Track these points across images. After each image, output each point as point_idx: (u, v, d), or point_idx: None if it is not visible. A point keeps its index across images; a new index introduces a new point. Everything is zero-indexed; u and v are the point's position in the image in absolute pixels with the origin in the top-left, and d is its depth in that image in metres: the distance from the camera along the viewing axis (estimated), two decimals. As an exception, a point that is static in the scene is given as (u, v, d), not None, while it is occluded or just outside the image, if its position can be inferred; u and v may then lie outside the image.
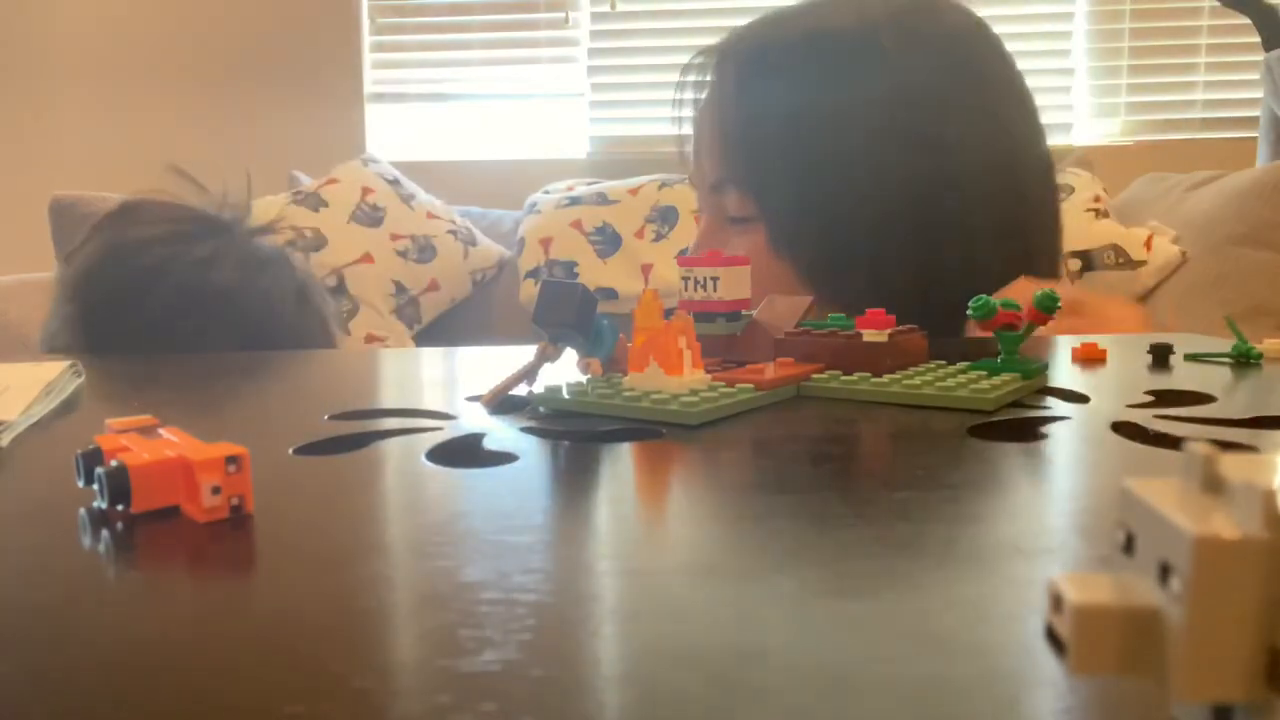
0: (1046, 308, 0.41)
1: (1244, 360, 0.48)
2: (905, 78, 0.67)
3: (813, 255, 0.67)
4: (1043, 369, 0.42)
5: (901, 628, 0.17)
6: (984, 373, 0.41)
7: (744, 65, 0.70)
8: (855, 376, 0.40)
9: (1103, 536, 0.22)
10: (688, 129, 0.76)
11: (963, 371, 0.42)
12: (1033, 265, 0.69)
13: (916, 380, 0.39)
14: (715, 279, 0.46)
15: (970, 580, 0.20)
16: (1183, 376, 0.44)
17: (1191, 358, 0.49)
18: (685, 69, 0.76)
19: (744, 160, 0.68)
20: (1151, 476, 0.12)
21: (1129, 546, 0.12)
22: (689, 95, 0.75)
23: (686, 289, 0.47)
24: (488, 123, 2.19)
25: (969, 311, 0.42)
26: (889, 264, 0.67)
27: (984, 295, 0.42)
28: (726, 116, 0.69)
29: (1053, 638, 0.12)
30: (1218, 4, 1.68)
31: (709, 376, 0.39)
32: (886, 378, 0.40)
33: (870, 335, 0.42)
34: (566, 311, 0.39)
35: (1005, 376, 0.40)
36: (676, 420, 0.35)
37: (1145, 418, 0.35)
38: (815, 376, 0.41)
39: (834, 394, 0.40)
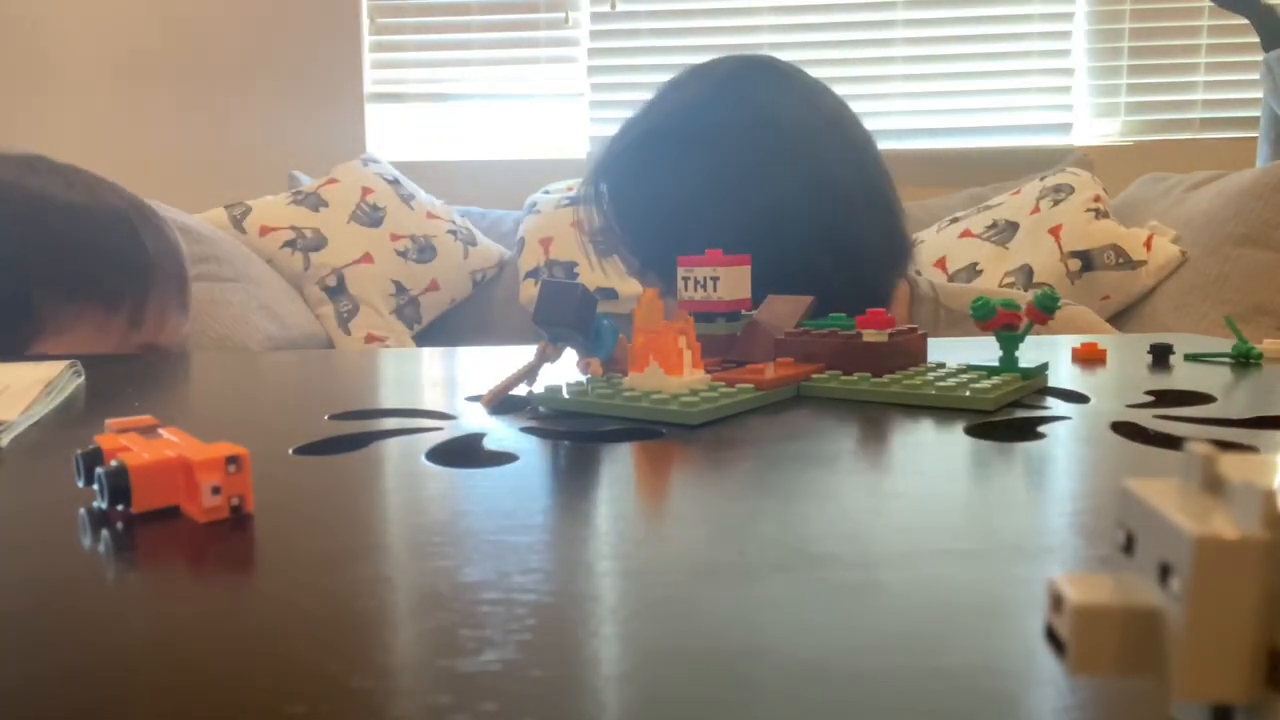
0: (1046, 308, 0.41)
1: (1244, 360, 0.48)
2: (724, 147, 0.78)
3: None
4: (1043, 369, 0.42)
5: (901, 627, 0.17)
6: (984, 373, 0.41)
7: (609, 178, 0.83)
8: (855, 376, 0.40)
9: (1103, 536, 0.22)
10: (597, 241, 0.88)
11: (963, 371, 0.42)
12: (867, 283, 0.79)
13: (916, 380, 0.39)
14: (715, 279, 0.46)
15: (970, 580, 0.20)
16: (1183, 376, 0.44)
17: (1192, 358, 0.49)
18: (574, 200, 0.93)
19: (632, 246, 0.81)
20: (1151, 476, 0.12)
21: (1129, 546, 0.12)
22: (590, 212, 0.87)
23: (686, 289, 0.47)
24: (488, 123, 2.19)
25: (969, 312, 0.42)
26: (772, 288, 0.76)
27: (983, 295, 0.42)
28: (610, 218, 0.82)
29: (1053, 638, 0.12)
30: (1218, 6, 1.68)
31: (709, 376, 0.39)
32: (886, 378, 0.40)
33: (870, 335, 0.42)
34: (566, 311, 0.39)
35: (1005, 376, 0.40)
36: (676, 420, 0.35)
37: (1145, 418, 0.35)
38: (815, 376, 0.41)
39: (834, 394, 0.40)
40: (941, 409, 0.37)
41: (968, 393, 0.37)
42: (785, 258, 0.73)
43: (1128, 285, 1.52)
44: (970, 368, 0.42)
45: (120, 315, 0.81)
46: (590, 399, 0.37)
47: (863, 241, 0.78)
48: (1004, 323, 0.42)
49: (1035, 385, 0.41)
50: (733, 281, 0.47)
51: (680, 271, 0.48)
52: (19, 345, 0.79)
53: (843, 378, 0.40)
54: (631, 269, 0.83)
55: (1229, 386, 0.42)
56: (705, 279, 0.46)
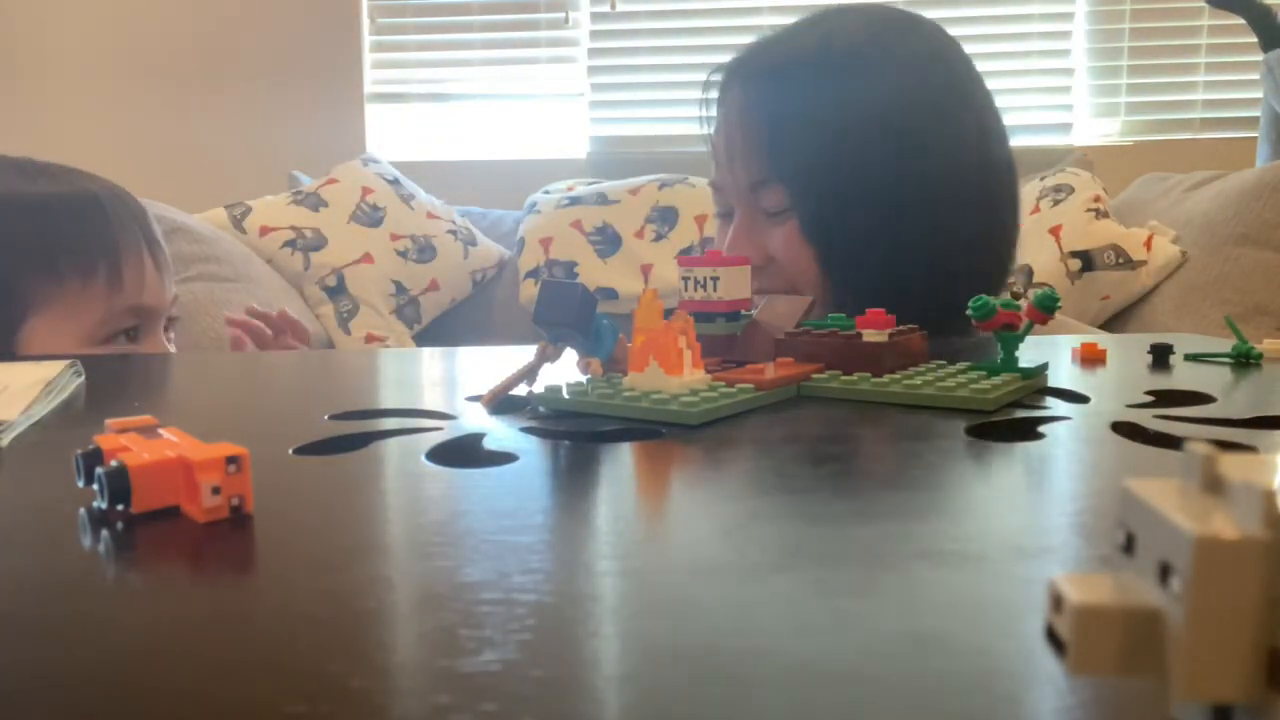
0: (1047, 308, 0.41)
1: (1244, 360, 0.48)
2: (898, 84, 0.75)
3: (836, 241, 0.73)
4: (1042, 369, 0.42)
5: (902, 627, 0.17)
6: (984, 373, 0.41)
7: (765, 78, 0.79)
8: (855, 376, 0.40)
9: (1103, 536, 0.22)
10: (713, 138, 0.84)
11: (962, 371, 0.42)
12: (1004, 271, 0.77)
13: (916, 380, 0.39)
14: (715, 279, 0.46)
15: (970, 580, 0.20)
16: (1183, 376, 0.44)
17: (1192, 358, 0.49)
18: (706, 86, 0.86)
19: (777, 158, 0.75)
20: (1151, 476, 0.12)
21: (1129, 546, 0.12)
22: (711, 111, 0.85)
23: (686, 289, 0.47)
24: (488, 123, 2.19)
25: (969, 311, 0.42)
26: (901, 255, 0.73)
27: (983, 295, 0.42)
28: (757, 122, 0.77)
29: (1053, 638, 0.12)
30: (1214, 7, 1.68)
31: (709, 376, 0.39)
32: (886, 378, 0.40)
33: (870, 335, 0.42)
34: (566, 311, 0.39)
35: (1005, 376, 0.40)
36: (676, 420, 0.35)
37: (1145, 418, 0.35)
38: (815, 376, 0.41)
39: (834, 394, 0.40)
40: (941, 409, 0.37)
41: (968, 393, 0.37)
42: (940, 206, 0.72)
43: (1128, 285, 1.52)
44: (970, 368, 0.42)
45: (97, 281, 0.83)
46: (590, 399, 0.37)
47: (998, 219, 0.76)
48: (1004, 323, 0.42)
49: (1035, 385, 0.41)
50: (733, 281, 0.47)
51: (680, 272, 0.48)
52: (5, 332, 0.82)
53: (843, 378, 0.40)
54: (737, 183, 0.78)
55: (1229, 386, 0.42)
56: (705, 279, 0.46)
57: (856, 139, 0.74)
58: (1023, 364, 0.41)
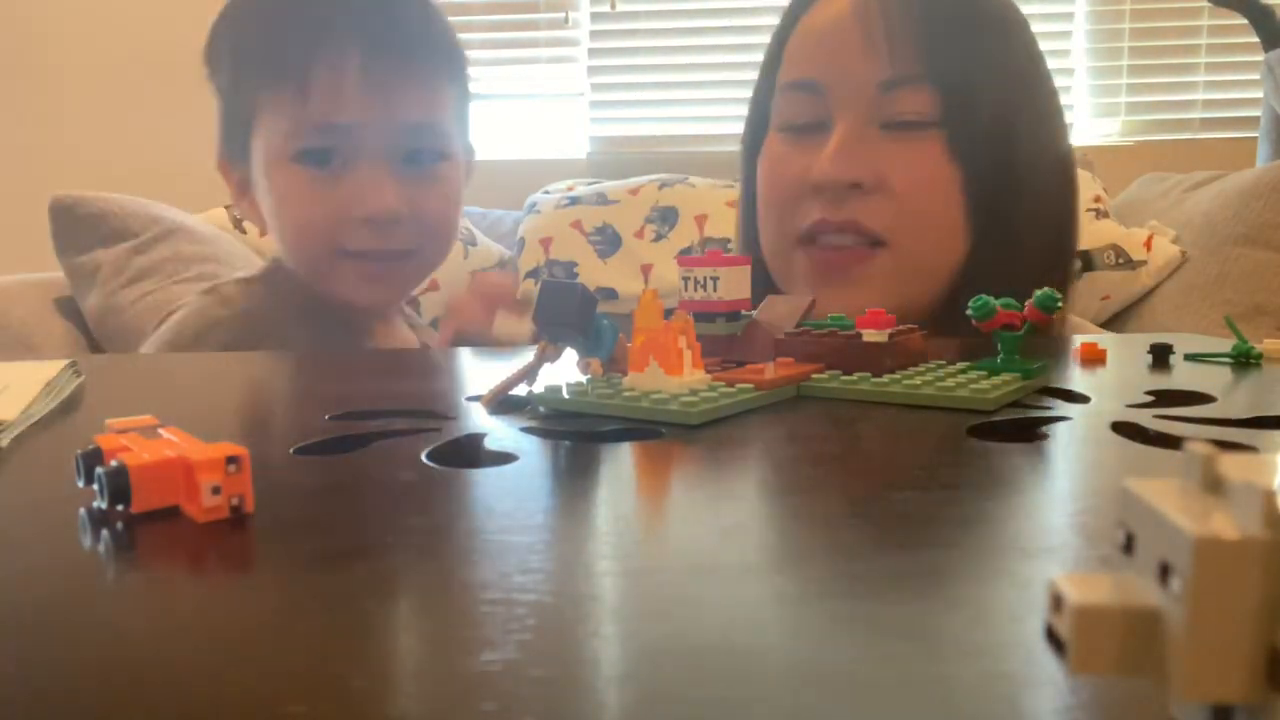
0: (1047, 307, 0.41)
1: (1244, 360, 0.48)
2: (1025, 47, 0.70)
3: (984, 171, 0.65)
4: (1043, 369, 0.42)
5: (901, 627, 0.17)
6: (984, 373, 0.41)
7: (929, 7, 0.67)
8: (855, 376, 0.40)
9: (1103, 536, 0.22)
10: (804, 18, 0.70)
11: (962, 371, 0.42)
12: (1070, 259, 0.73)
13: (916, 380, 0.39)
14: (715, 279, 0.46)
15: (971, 580, 0.20)
16: (1183, 376, 0.44)
17: (1192, 358, 0.49)
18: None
19: (935, 54, 0.64)
20: (1151, 476, 0.12)
21: (1129, 546, 0.12)
22: None
23: (686, 289, 0.47)
24: (488, 123, 2.19)
25: (968, 311, 0.42)
26: (1035, 209, 0.68)
27: (983, 295, 0.42)
28: (907, 4, 0.65)
29: (1053, 638, 0.12)
30: (1215, 5, 1.68)
31: (709, 376, 0.39)
32: (886, 378, 0.40)
33: (870, 335, 0.42)
34: (566, 311, 0.39)
35: (1005, 376, 0.40)
36: (676, 420, 0.35)
37: (1145, 418, 0.35)
38: (815, 376, 0.41)
39: (834, 394, 0.40)
40: (941, 409, 0.37)
41: (968, 393, 0.37)
42: (1048, 168, 0.68)
43: (1128, 285, 1.52)
44: (970, 367, 0.42)
45: (285, 89, 0.72)
46: (590, 399, 0.37)
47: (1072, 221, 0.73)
48: (1004, 323, 0.42)
49: (1035, 385, 0.41)
50: (733, 281, 0.46)
51: (680, 272, 0.48)
52: (246, 134, 0.77)
53: (843, 378, 0.40)
54: (856, 80, 0.66)
55: (1229, 386, 0.42)
56: (705, 279, 0.46)
57: (1021, 57, 0.67)
58: (1023, 364, 0.41)
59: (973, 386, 0.38)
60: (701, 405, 0.35)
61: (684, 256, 0.47)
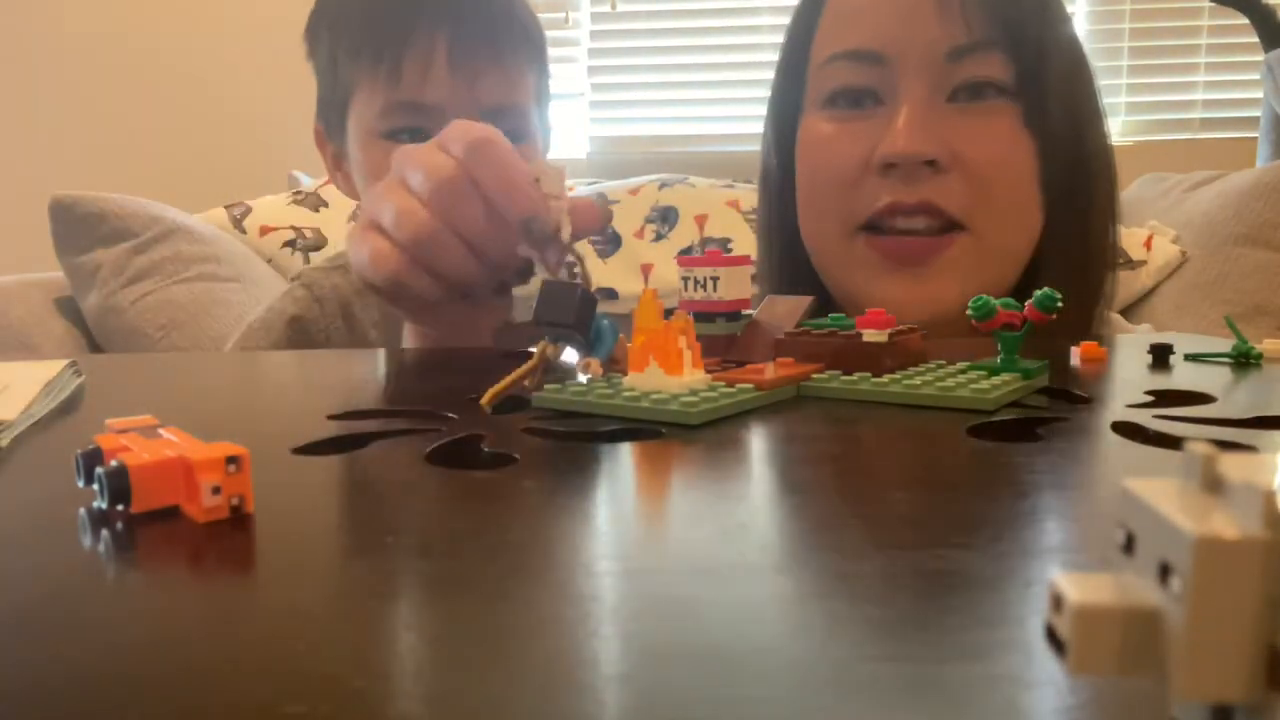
0: (1046, 307, 0.41)
1: (1244, 360, 0.48)
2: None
3: (1058, 143, 0.63)
4: (1043, 369, 0.42)
5: (901, 628, 0.17)
6: (984, 372, 0.41)
7: None
8: (855, 376, 0.40)
9: (1103, 536, 0.22)
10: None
11: (962, 371, 0.42)
12: (1117, 250, 0.73)
13: (916, 380, 0.39)
14: (715, 279, 0.46)
15: (970, 580, 0.19)
16: (1183, 376, 0.44)
17: (1191, 358, 0.49)
18: None
19: (1010, 21, 0.60)
20: (1151, 476, 0.12)
21: (1129, 546, 0.12)
22: None
23: (687, 289, 0.47)
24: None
25: (969, 311, 0.41)
26: (1100, 188, 0.67)
27: (984, 295, 0.42)
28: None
29: (1053, 638, 0.12)
30: (1217, 4, 1.68)
31: (708, 376, 0.39)
32: (886, 378, 0.40)
33: (870, 335, 0.42)
34: (566, 311, 0.39)
35: (1005, 376, 0.40)
36: (677, 420, 0.35)
37: (1145, 418, 0.35)
38: (815, 376, 0.41)
39: (834, 394, 0.40)
40: (941, 409, 0.37)
41: (968, 393, 0.37)
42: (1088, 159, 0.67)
43: (1128, 285, 1.52)
44: (970, 367, 0.42)
45: (381, 68, 0.75)
46: (590, 399, 0.37)
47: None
48: (1004, 323, 0.42)
49: (1035, 385, 0.41)
50: (733, 281, 0.46)
51: (680, 272, 0.48)
52: (342, 111, 0.79)
53: (843, 378, 0.40)
54: (925, 46, 0.62)
55: (1229, 386, 0.42)
56: (705, 279, 0.46)
57: (1076, 34, 0.65)
58: (1023, 364, 0.41)
59: (973, 386, 0.38)
60: (702, 405, 0.35)
61: (684, 256, 0.47)
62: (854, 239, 0.66)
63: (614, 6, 2.12)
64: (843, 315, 0.46)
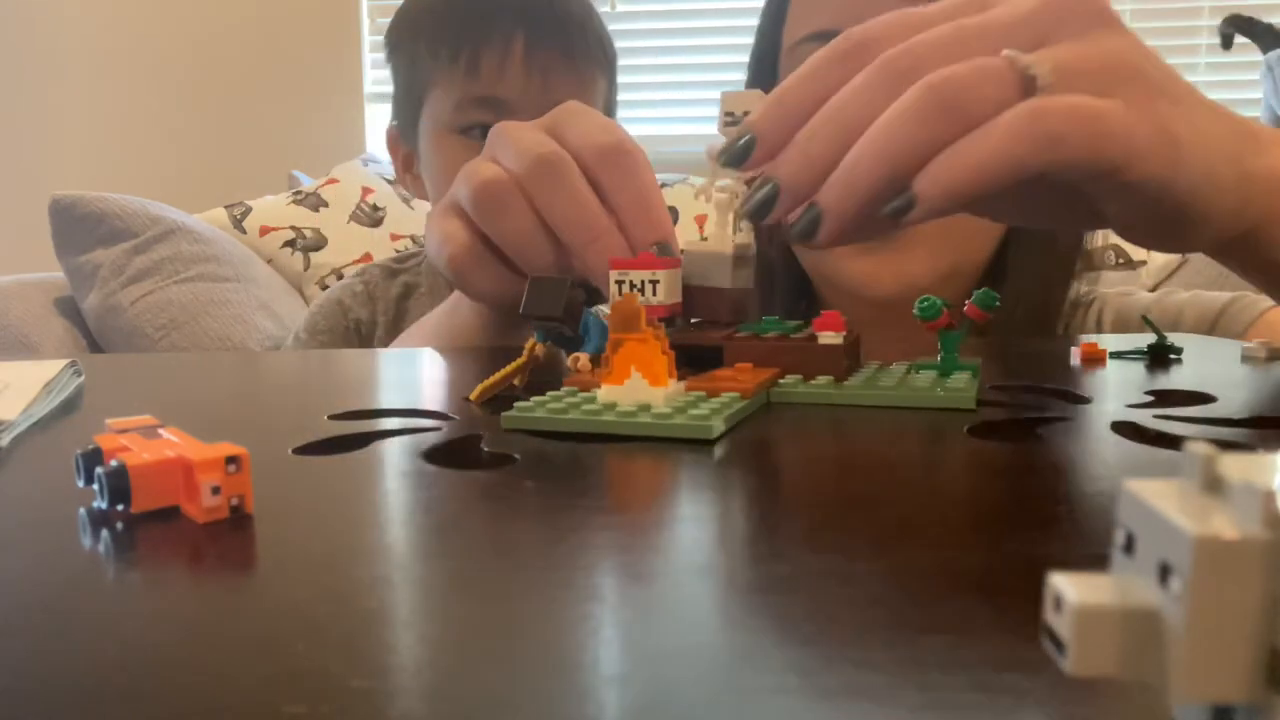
0: (987, 306, 0.40)
1: (1164, 354, 0.49)
2: None
3: None
4: (977, 369, 0.41)
5: (901, 629, 0.17)
6: (934, 373, 0.41)
7: None
8: (822, 381, 0.39)
9: (1103, 536, 0.22)
10: None
11: (912, 372, 0.41)
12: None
13: (885, 383, 0.38)
14: (655, 282, 0.43)
15: (970, 580, 0.19)
16: (1183, 376, 0.44)
17: (1115, 355, 0.50)
18: None
19: None
20: (1151, 476, 0.12)
21: (1129, 546, 0.12)
22: None
23: (620, 293, 0.43)
24: (488, 123, 2.18)
25: (915, 311, 0.40)
26: None
27: (930, 295, 0.41)
28: None
29: (1051, 638, 0.12)
30: (1217, 3, 1.68)
31: (682, 385, 0.37)
32: (852, 381, 0.39)
33: (827, 338, 0.41)
34: (554, 306, 0.38)
35: (959, 375, 0.40)
36: (693, 435, 0.32)
37: (1145, 418, 0.35)
38: (783, 382, 0.40)
39: (807, 399, 0.38)
40: (924, 409, 0.37)
41: (944, 393, 0.37)
42: None
43: (1128, 285, 1.52)
44: (917, 367, 0.42)
45: (459, 64, 0.79)
46: (573, 417, 0.33)
47: None
48: (946, 323, 0.41)
49: (980, 383, 0.40)
50: (671, 285, 0.44)
51: (613, 275, 0.44)
52: (418, 104, 0.83)
53: (814, 383, 0.39)
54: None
55: (1229, 386, 0.42)
56: (644, 282, 0.44)
57: None
58: (965, 363, 0.41)
59: (949, 387, 0.38)
60: (714, 418, 0.32)
61: (616, 259, 0.44)
62: None
63: (614, 6, 2.12)
64: (775, 318, 0.45)
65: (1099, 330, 0.81)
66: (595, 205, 0.45)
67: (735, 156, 0.38)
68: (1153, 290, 1.51)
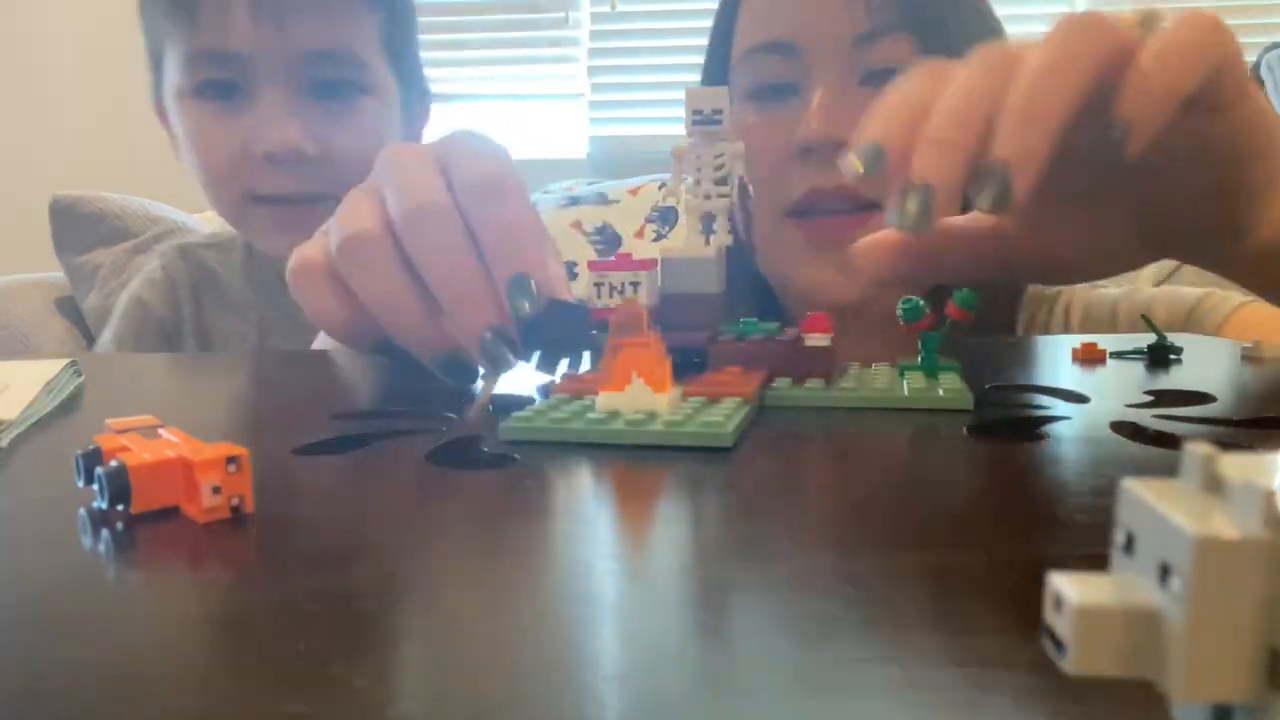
0: (968, 306, 0.40)
1: (1163, 354, 0.49)
2: None
3: None
4: (959, 368, 0.41)
5: (901, 629, 0.17)
6: (920, 374, 0.40)
7: None
8: (813, 384, 0.39)
9: (1102, 537, 0.22)
10: None
11: (900, 374, 0.41)
12: None
13: (877, 384, 0.38)
14: (636, 284, 0.43)
15: (970, 580, 0.19)
16: (1183, 376, 0.44)
17: (1116, 355, 0.50)
18: None
19: (922, 3, 0.63)
20: (1151, 476, 0.12)
21: (1129, 546, 0.12)
22: None
23: (601, 296, 0.43)
24: (488, 123, 2.19)
25: (898, 311, 0.40)
26: None
27: (914, 297, 0.41)
28: None
29: (1051, 638, 0.12)
30: (1217, 3, 1.68)
31: (679, 390, 0.37)
32: (844, 382, 0.39)
33: (814, 340, 0.40)
34: (569, 335, 0.37)
35: (947, 376, 0.40)
36: (708, 444, 0.31)
37: (1145, 418, 0.35)
38: (775, 386, 0.39)
39: (800, 402, 0.38)
40: (921, 410, 0.37)
41: (942, 393, 0.37)
42: None
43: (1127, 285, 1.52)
44: (903, 368, 0.42)
45: (178, 18, 0.69)
46: (576, 426, 0.32)
47: None
48: (929, 324, 0.41)
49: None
50: (649, 286, 0.44)
51: (593, 278, 0.44)
52: (159, 73, 0.75)
53: (805, 386, 0.39)
54: (830, 36, 0.65)
55: (1229, 386, 0.42)
56: (625, 284, 0.43)
57: (988, 13, 0.66)
58: (946, 364, 0.41)
59: (946, 388, 0.38)
60: (728, 424, 0.32)
61: (595, 262, 0.44)
62: (783, 225, 0.68)
63: (614, 6, 2.12)
64: (754, 320, 0.45)
65: (1067, 328, 0.80)
66: (470, 263, 0.40)
67: (873, 162, 0.37)
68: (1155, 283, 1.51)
